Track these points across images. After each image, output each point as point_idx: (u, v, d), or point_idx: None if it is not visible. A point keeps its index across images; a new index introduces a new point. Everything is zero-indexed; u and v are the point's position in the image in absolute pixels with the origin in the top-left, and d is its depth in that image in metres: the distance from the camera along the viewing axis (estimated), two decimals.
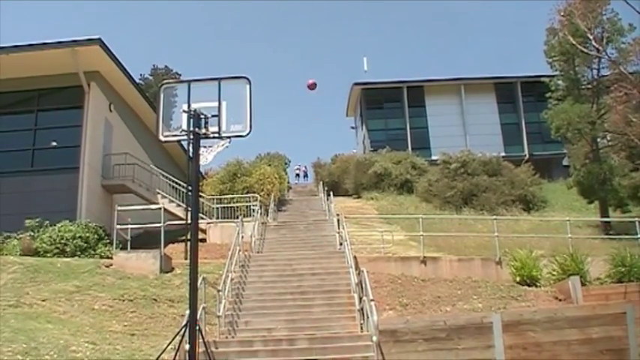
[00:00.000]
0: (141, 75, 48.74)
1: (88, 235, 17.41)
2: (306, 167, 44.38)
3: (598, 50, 23.32)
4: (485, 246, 17.43)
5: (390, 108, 41.24)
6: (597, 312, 9.56)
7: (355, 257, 14.87)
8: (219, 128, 7.44)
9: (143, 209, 18.55)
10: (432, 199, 27.71)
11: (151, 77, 50.05)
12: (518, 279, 14.94)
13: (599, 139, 24.42)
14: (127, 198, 20.77)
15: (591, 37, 23.12)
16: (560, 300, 13.74)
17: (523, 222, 21.84)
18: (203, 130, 7.42)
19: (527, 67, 65.03)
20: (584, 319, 9.35)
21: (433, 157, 35.03)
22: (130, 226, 16.60)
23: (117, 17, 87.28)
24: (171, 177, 22.94)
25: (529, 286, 14.64)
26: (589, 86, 24.78)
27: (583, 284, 13.99)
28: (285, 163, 37.23)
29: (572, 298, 13.52)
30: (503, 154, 34.12)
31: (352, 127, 48.73)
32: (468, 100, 40.02)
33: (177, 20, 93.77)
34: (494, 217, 19.00)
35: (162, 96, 7.89)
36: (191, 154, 7.74)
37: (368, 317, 10.21)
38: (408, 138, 39.32)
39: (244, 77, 7.66)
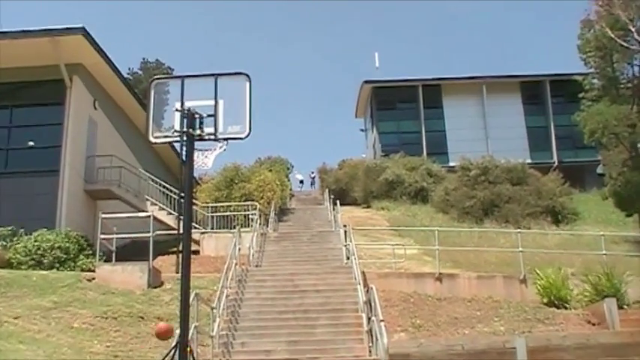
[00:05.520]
0: (129, 69, 49.03)
1: (68, 245, 17.45)
2: (313, 173, 44.37)
3: None
4: (509, 262, 17.37)
5: (404, 109, 41.30)
6: (636, 339, 9.51)
7: (363, 273, 14.88)
8: (216, 129, 7.43)
9: (130, 217, 18.58)
10: (449, 209, 27.71)
11: (140, 72, 50.29)
12: (545, 300, 14.88)
13: (639, 145, 24.27)
14: (112, 205, 20.82)
15: (633, 30, 22.86)
16: (593, 324, 13.63)
17: (551, 236, 21.77)
18: (197, 131, 7.42)
19: (557, 64, 64.90)
20: (621, 347, 9.31)
21: (451, 164, 35.07)
22: (115, 236, 16.62)
23: (103, 5, 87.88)
24: (161, 182, 23.00)
25: (558, 307, 14.56)
26: (629, 85, 24.61)
27: (620, 307, 13.85)
28: (288, 169, 37.30)
29: (607, 323, 13.38)
30: (529, 160, 34.11)
31: (361, 130, 48.80)
32: (491, 100, 40.04)
33: (170, 8, 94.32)
34: (519, 230, 18.96)
35: (152, 93, 7.89)
36: (184, 158, 7.73)
37: (377, 339, 10.19)
38: (424, 142, 39.37)
39: (243, 73, 7.66)
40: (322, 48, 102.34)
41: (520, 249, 16.62)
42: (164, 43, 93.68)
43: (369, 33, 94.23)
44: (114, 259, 16.38)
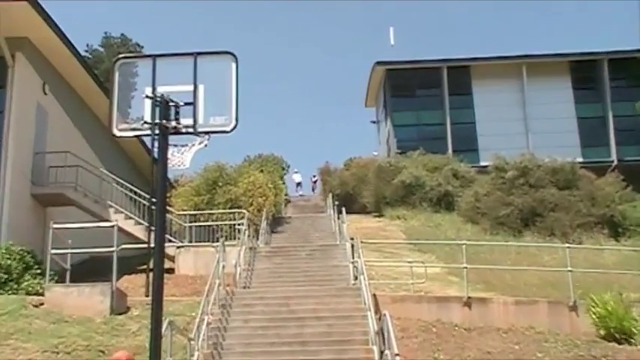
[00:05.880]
0: (88, 46, 49.21)
1: (9, 262, 17.40)
2: (315, 176, 44.55)
3: None
4: (554, 284, 17.43)
5: (425, 96, 41.38)
6: None
7: (375, 296, 14.98)
8: (195, 120, 7.46)
9: (89, 228, 18.61)
10: (479, 219, 27.82)
11: (101, 49, 50.40)
12: (602, 332, 14.89)
13: None
14: (66, 212, 20.87)
15: None
16: None
17: (608, 253, 21.81)
18: (173, 123, 7.45)
19: (615, 41, 64.18)
20: None
21: (482, 163, 35.20)
22: (70, 251, 16.63)
23: None
24: (128, 185, 23.05)
25: (619, 342, 14.56)
26: None
27: None
28: (283, 169, 37.42)
29: None
30: (580, 159, 34.20)
31: (373, 122, 48.98)
32: (532, 85, 40.07)
33: None
34: (567, 245, 18.96)
35: (117, 75, 7.91)
36: (156, 155, 7.76)
37: None
38: (448, 136, 39.45)
39: (229, 53, 7.69)
40: (323, 41, 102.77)
41: (569, 268, 16.62)
42: (133, 14, 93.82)
43: (385, 4, 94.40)
44: (68, 279, 16.36)
